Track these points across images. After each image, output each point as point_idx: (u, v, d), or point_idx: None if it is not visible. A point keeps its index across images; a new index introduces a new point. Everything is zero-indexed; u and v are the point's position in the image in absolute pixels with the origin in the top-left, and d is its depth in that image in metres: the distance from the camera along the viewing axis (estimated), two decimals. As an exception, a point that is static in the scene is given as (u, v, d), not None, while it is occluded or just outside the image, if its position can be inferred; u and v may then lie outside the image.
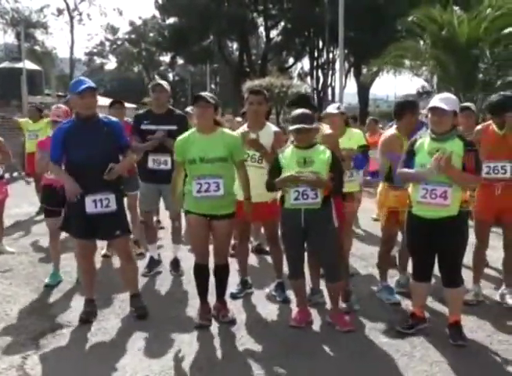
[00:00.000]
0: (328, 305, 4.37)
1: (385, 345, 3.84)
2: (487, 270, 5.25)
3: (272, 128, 4.72)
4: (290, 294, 4.55)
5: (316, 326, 4.17)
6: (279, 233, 4.34)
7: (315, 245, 4.07)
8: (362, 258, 6.05)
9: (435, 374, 3.42)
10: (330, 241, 4.00)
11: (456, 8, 17.32)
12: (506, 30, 16.33)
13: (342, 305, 4.38)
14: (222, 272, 4.26)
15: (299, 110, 4.04)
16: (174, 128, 5.16)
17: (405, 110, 4.47)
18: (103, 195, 4.06)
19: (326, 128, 4.49)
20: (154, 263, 5.54)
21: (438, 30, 16.51)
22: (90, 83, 4.09)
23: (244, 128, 4.68)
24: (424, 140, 3.85)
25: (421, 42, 16.88)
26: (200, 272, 4.20)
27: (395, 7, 25.53)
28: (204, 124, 4.06)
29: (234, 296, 4.73)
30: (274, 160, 4.13)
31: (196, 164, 4.00)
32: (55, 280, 5.13)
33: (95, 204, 4.05)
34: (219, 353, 3.73)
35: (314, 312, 4.35)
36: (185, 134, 4.18)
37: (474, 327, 4.05)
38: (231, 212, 4.14)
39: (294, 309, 4.34)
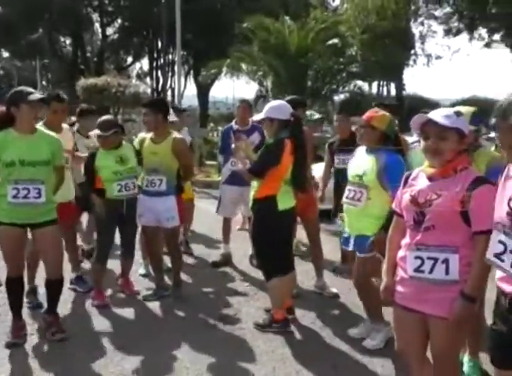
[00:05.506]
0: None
1: (230, 339, 3.97)
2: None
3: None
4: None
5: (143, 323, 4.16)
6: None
7: None
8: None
9: (266, 361, 3.62)
10: None
11: (287, 18, 18.44)
12: (330, 42, 17.85)
13: None
14: (56, 288, 3.95)
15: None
16: None
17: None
18: None
19: None
20: None
21: (269, 38, 17.43)
22: None
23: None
24: None
25: (255, 48, 17.70)
26: (15, 286, 3.85)
27: (233, 13, 26.37)
28: (32, 124, 3.75)
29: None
30: None
31: (14, 167, 3.62)
32: None
33: None
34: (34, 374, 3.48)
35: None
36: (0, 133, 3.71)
37: (300, 316, 4.36)
38: (53, 218, 3.84)
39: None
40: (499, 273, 2.07)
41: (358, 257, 3.76)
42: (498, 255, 2.04)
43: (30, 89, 3.78)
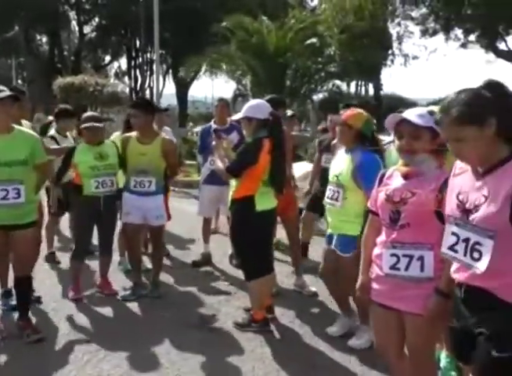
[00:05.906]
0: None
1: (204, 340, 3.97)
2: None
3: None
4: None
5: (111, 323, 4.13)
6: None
7: None
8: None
9: (245, 360, 3.63)
10: None
11: (265, 18, 18.47)
12: (308, 42, 17.95)
13: None
14: (25, 285, 3.92)
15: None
16: None
17: None
18: None
19: None
20: None
21: (248, 38, 17.45)
22: None
23: None
24: None
25: (233, 48, 17.73)
26: None
27: (212, 12, 26.28)
28: (6, 123, 3.65)
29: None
30: None
31: None
32: None
33: None
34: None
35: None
36: None
37: (279, 315, 4.37)
38: (34, 220, 3.84)
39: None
40: (454, 266, 2.12)
41: (341, 257, 3.75)
42: (451, 247, 2.09)
43: (0, 87, 3.67)
